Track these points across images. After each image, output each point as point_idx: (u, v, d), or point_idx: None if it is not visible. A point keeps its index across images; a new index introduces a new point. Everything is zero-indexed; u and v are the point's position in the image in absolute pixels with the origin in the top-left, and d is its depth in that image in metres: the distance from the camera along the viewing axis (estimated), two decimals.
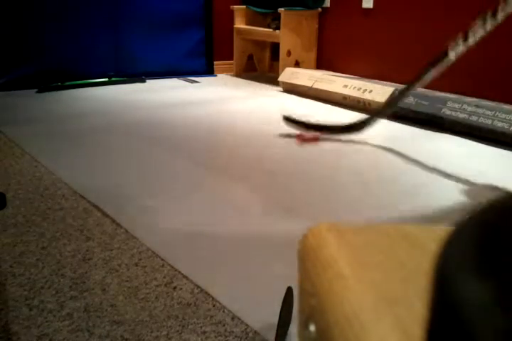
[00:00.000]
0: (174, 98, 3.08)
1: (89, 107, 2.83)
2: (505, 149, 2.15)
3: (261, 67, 3.98)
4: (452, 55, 1.68)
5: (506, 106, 2.28)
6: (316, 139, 2.19)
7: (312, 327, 0.42)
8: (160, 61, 3.66)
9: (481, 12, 1.56)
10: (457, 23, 2.70)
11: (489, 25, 1.55)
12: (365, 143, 2.21)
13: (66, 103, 2.94)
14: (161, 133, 2.33)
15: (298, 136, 2.21)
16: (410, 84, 1.90)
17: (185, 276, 1.17)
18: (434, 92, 2.61)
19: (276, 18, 3.49)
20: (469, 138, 2.30)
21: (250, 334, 0.98)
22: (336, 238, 0.47)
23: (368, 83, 2.83)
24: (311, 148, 2.13)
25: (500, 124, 2.20)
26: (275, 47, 3.70)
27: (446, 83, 2.74)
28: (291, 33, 3.48)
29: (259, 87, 3.50)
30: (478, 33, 1.59)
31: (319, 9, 3.52)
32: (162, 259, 1.25)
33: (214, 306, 1.06)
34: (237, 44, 3.83)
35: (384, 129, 2.46)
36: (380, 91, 2.70)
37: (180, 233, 1.38)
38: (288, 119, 2.31)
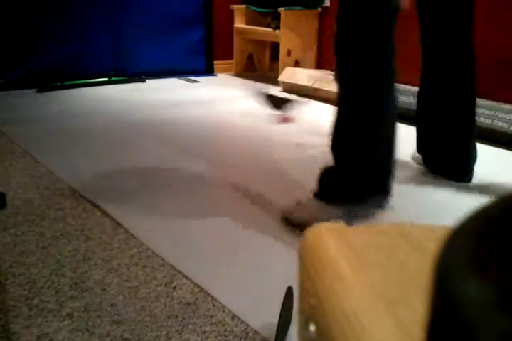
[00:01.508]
0: (174, 98, 3.08)
1: (89, 107, 2.83)
2: (505, 149, 2.16)
3: (261, 67, 3.98)
4: None
5: (506, 106, 2.28)
6: (292, 119, 2.44)
7: (312, 327, 0.42)
8: (160, 61, 3.66)
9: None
10: None
11: None
12: None
13: (66, 103, 2.93)
14: (162, 133, 2.33)
15: (278, 116, 2.43)
16: None
17: (185, 276, 1.17)
18: None
19: (276, 17, 3.49)
20: None
21: (250, 334, 0.98)
22: (336, 238, 0.47)
23: None
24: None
25: (500, 124, 2.20)
26: (275, 47, 3.70)
27: None
28: (291, 32, 3.48)
29: (259, 86, 3.50)
30: None
31: (319, 9, 3.52)
32: (162, 259, 1.25)
33: (214, 306, 1.06)
34: (237, 43, 3.82)
35: None
36: None
37: (180, 232, 1.38)
38: (268, 96, 2.52)
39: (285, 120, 2.38)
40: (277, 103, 2.44)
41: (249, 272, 1.19)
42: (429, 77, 1.73)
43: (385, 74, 1.33)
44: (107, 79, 3.45)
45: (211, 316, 1.03)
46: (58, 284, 1.13)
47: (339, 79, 1.37)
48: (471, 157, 1.71)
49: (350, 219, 1.35)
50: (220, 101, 3.04)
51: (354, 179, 1.37)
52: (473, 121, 1.70)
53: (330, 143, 1.38)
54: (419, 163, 1.87)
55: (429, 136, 1.78)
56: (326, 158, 1.40)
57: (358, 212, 1.38)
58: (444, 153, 1.74)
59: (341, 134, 1.37)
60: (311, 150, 2.10)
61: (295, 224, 1.40)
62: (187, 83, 3.61)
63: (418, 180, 1.79)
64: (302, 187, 1.71)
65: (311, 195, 1.44)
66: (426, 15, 1.68)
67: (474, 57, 1.63)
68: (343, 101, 1.36)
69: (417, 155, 1.88)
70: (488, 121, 2.24)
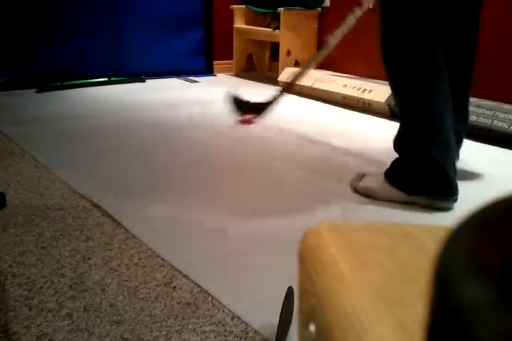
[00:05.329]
0: (174, 98, 3.08)
1: (89, 107, 2.83)
2: (505, 149, 2.15)
3: (261, 67, 3.98)
4: (332, 41, 2.19)
5: (506, 106, 2.28)
6: (252, 121, 2.42)
7: (312, 327, 0.42)
8: (160, 61, 3.66)
9: None
10: None
11: (355, 17, 2.09)
12: (367, 143, 2.21)
13: (66, 103, 2.93)
14: (161, 133, 2.33)
15: (240, 118, 2.40)
16: (304, 65, 2.28)
17: (185, 276, 1.17)
18: None
19: (276, 17, 3.49)
20: (469, 138, 2.29)
21: (250, 334, 0.98)
22: (336, 238, 0.47)
23: (367, 83, 2.83)
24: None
25: (499, 124, 2.20)
26: (275, 47, 3.70)
27: None
28: (291, 32, 3.48)
29: (258, 86, 3.50)
30: (348, 23, 2.19)
31: (319, 9, 3.51)
32: (162, 259, 1.25)
33: (214, 306, 1.06)
34: (236, 44, 3.82)
35: (384, 129, 2.46)
36: (379, 91, 2.70)
37: (180, 232, 1.38)
38: (235, 100, 2.39)
39: (246, 122, 2.38)
40: (243, 105, 2.44)
41: (249, 272, 1.19)
42: None
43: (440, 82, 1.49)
44: (106, 79, 3.45)
45: (211, 316, 1.03)
46: (58, 284, 1.13)
47: (395, 90, 1.56)
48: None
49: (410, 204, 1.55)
50: (219, 101, 3.03)
51: (415, 175, 1.53)
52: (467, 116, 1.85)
53: (394, 144, 1.58)
54: None
55: None
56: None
57: (419, 203, 1.55)
58: None
59: (403, 139, 1.55)
60: (313, 149, 2.10)
61: (363, 193, 1.63)
62: (187, 83, 3.61)
63: None
64: (314, 187, 1.71)
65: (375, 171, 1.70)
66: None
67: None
68: (402, 111, 1.55)
69: None
70: (488, 121, 2.23)
